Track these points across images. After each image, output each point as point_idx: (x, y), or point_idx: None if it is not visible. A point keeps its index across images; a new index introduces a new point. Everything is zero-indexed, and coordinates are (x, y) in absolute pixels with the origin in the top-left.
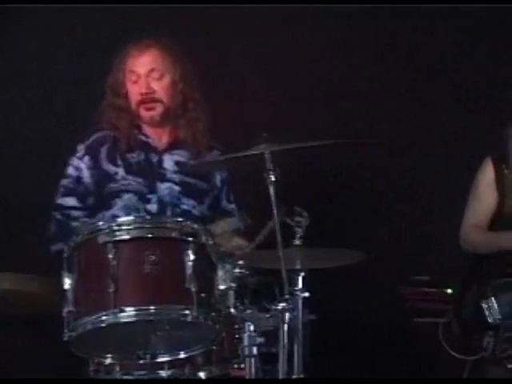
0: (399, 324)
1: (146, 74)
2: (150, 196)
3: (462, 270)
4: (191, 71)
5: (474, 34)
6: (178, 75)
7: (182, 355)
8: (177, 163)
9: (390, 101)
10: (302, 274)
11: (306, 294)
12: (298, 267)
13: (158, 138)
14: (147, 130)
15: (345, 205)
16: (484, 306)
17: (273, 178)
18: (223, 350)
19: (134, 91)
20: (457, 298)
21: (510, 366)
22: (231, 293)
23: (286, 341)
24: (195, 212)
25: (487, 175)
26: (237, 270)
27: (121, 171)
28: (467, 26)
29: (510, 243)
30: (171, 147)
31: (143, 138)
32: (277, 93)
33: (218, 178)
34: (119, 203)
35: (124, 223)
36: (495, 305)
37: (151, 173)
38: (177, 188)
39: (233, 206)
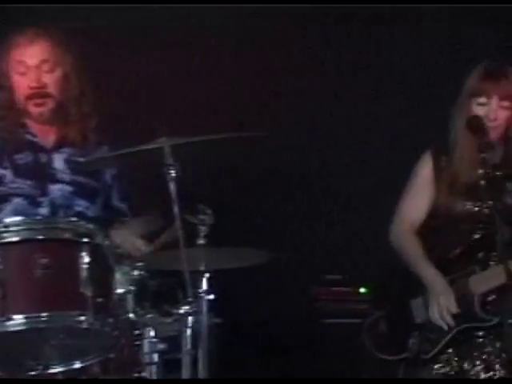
0: (310, 325)
1: (36, 65)
2: (41, 199)
3: (385, 267)
4: (84, 63)
5: (409, 28)
6: (70, 67)
7: (78, 365)
8: (67, 162)
9: (302, 95)
10: (207, 275)
11: (211, 297)
12: (202, 268)
13: (46, 136)
14: (34, 127)
15: (253, 202)
16: (412, 305)
17: (173, 174)
18: (122, 358)
19: (22, 84)
20: (382, 296)
21: (435, 368)
22: (130, 297)
23: (189, 346)
24: (89, 213)
25: (425, 170)
26: (136, 273)
27: (8, 174)
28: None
29: (434, 284)
30: (60, 145)
31: (30, 137)
32: (178, 87)
33: (107, 175)
34: (8, 208)
35: (12, 224)
36: (423, 304)
37: (41, 174)
38: (68, 188)
39: (125, 204)
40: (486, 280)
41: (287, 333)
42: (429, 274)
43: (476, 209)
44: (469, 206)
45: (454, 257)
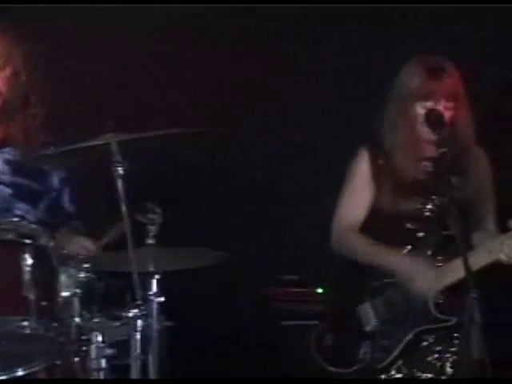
0: (267, 328)
1: None
2: None
3: (335, 271)
4: (34, 61)
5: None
6: (20, 65)
7: (21, 373)
8: (7, 163)
9: (250, 90)
10: (157, 276)
11: (162, 299)
12: (152, 269)
13: None
14: None
15: (204, 201)
16: (360, 312)
17: (121, 171)
18: (69, 365)
19: None
20: (329, 304)
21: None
22: (76, 300)
23: (138, 351)
24: (30, 217)
25: (362, 167)
26: (82, 275)
27: None
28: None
29: (401, 266)
30: (0, 145)
31: None
32: (126, 84)
33: (55, 179)
34: None
35: None
36: (371, 310)
37: None
38: (8, 190)
39: (73, 207)
40: (439, 278)
41: (242, 336)
42: (391, 258)
43: (421, 206)
44: (413, 204)
45: None
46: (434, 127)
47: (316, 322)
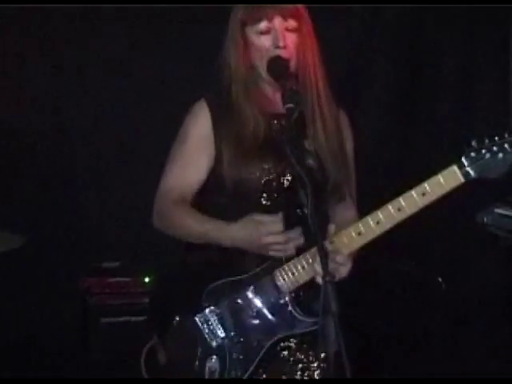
0: (82, 326)
1: None
2: None
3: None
4: None
5: None
6: None
7: None
8: None
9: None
10: None
11: None
12: None
13: None
14: None
15: (4, 182)
16: (199, 322)
17: None
18: None
19: None
20: (157, 307)
21: None
22: None
23: None
24: None
25: (201, 123)
26: None
27: None
28: None
29: (240, 239)
30: None
31: None
32: None
33: None
34: None
35: None
36: (215, 320)
37: None
38: None
39: None
40: (298, 271)
41: (53, 336)
42: (227, 232)
43: (271, 175)
44: (260, 170)
45: None
46: (276, 77)
47: (143, 318)
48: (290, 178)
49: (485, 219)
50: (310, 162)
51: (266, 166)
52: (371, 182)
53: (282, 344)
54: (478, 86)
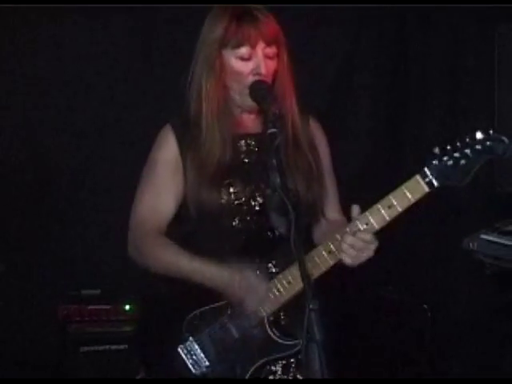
0: (60, 356)
1: None
2: None
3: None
4: None
5: None
6: None
7: None
8: None
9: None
10: None
11: None
12: None
13: None
14: None
15: None
16: (182, 354)
17: None
18: None
19: None
20: (140, 337)
21: None
22: None
23: None
24: None
25: (168, 150)
26: None
27: None
28: None
29: (220, 284)
30: None
31: None
32: None
33: None
34: None
35: None
36: (197, 349)
37: None
38: None
39: None
40: (276, 293)
41: (31, 364)
42: (208, 273)
43: (241, 199)
44: (227, 195)
45: None
46: (258, 101)
47: (123, 347)
48: (260, 201)
49: (471, 245)
50: (289, 183)
51: (233, 190)
52: (360, 190)
53: (267, 368)
54: (464, 95)
